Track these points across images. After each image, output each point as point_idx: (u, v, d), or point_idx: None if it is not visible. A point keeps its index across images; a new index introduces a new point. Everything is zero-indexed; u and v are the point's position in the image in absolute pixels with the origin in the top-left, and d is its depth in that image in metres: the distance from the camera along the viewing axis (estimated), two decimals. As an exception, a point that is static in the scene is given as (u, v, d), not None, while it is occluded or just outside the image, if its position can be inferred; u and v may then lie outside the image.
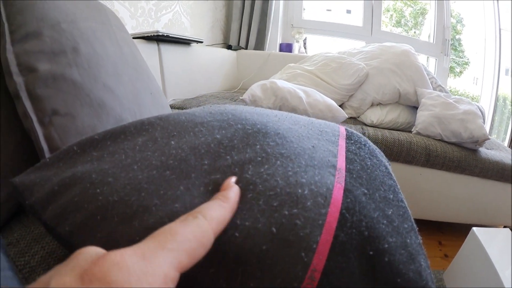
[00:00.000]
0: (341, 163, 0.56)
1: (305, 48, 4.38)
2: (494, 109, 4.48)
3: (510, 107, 4.39)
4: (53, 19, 0.79)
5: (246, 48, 4.08)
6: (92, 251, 0.28)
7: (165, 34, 2.05)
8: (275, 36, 4.26)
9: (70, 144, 0.55)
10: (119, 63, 0.93)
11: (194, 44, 2.77)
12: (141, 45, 2.02)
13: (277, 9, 4.13)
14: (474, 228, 1.60)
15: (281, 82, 2.09)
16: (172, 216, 0.40)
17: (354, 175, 0.54)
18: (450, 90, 5.34)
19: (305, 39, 4.39)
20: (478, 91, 4.97)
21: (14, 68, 0.70)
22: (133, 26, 2.33)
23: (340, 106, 2.63)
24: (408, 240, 0.47)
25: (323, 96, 2.12)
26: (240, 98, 2.06)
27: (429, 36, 4.61)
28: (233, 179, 0.45)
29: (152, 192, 0.43)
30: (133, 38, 1.97)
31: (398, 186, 0.64)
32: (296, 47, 4.32)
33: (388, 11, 5.38)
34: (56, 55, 0.75)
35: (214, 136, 0.55)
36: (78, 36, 0.82)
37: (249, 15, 3.98)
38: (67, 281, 0.24)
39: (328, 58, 2.82)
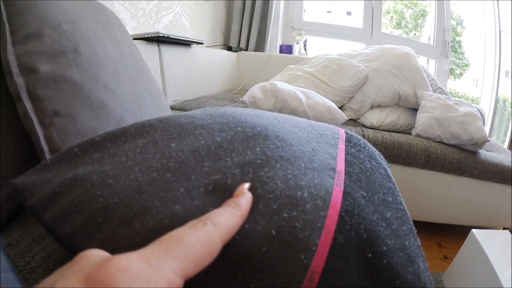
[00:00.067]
0: (340, 166, 0.56)
1: (305, 49, 4.38)
2: (494, 111, 4.48)
3: (510, 109, 4.39)
4: (54, 20, 0.79)
5: (246, 49, 4.08)
6: (95, 255, 0.27)
7: (166, 35, 2.06)
8: (275, 37, 4.26)
9: (71, 145, 0.55)
10: (119, 64, 0.94)
11: (194, 45, 2.77)
12: (141, 46, 2.02)
13: (278, 11, 4.14)
14: (473, 230, 1.60)
15: (281, 84, 2.09)
16: (172, 218, 0.40)
17: (353, 178, 0.54)
18: (450, 92, 5.35)
19: (305, 41, 4.39)
20: (478, 93, 4.97)
21: (14, 69, 0.70)
22: (134, 27, 2.33)
23: (340, 108, 2.63)
24: (407, 243, 0.47)
25: (323, 98, 2.12)
26: (240, 99, 2.06)
27: (429, 38, 4.62)
28: (246, 185, 0.44)
29: (152, 194, 0.43)
30: (134, 39, 1.97)
31: (397, 189, 0.64)
32: (296, 49, 4.33)
33: (389, 13, 5.39)
34: (56, 56, 0.76)
35: (214, 139, 0.55)
36: (78, 37, 0.83)
37: (250, 17, 3.99)
38: (71, 285, 0.24)
39: (328, 60, 2.82)
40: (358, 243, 0.42)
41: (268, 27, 3.97)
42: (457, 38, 5.39)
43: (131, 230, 0.40)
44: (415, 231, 0.54)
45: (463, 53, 5.71)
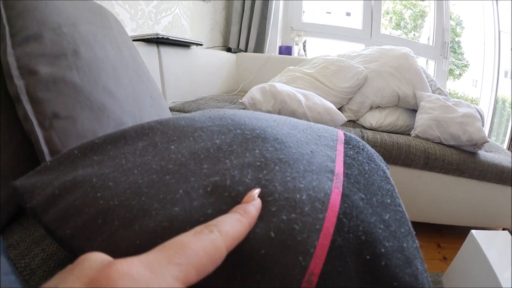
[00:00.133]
0: (339, 168, 0.56)
1: (304, 50, 4.39)
2: (493, 111, 4.49)
3: (509, 109, 4.39)
4: (54, 22, 0.79)
5: (245, 50, 4.08)
6: (97, 258, 0.27)
7: (165, 37, 2.06)
8: (274, 38, 4.26)
9: (71, 147, 0.55)
10: (119, 66, 0.94)
11: (193, 47, 2.77)
12: (141, 47, 2.02)
13: (277, 12, 4.14)
14: (472, 231, 1.60)
15: (280, 85, 2.09)
16: (171, 220, 0.40)
17: (351, 180, 0.54)
18: (450, 92, 5.35)
19: (304, 42, 4.40)
20: (478, 94, 4.98)
21: (14, 71, 0.70)
22: (133, 28, 2.33)
23: (339, 109, 2.63)
24: (405, 244, 0.48)
25: (322, 99, 2.12)
26: (240, 101, 2.06)
27: (428, 39, 4.62)
28: (256, 191, 0.44)
29: (152, 196, 0.44)
30: (133, 40, 1.97)
31: (396, 191, 0.64)
32: (295, 50, 4.33)
33: (388, 13, 5.39)
34: (56, 58, 0.76)
35: (213, 141, 0.55)
36: (78, 39, 0.83)
37: (249, 18, 3.99)
38: None
39: (327, 61, 2.82)
40: (356, 245, 0.42)
41: (267, 28, 3.97)
42: (456, 39, 5.39)
43: (131, 232, 0.40)
44: (414, 233, 0.54)
45: (463, 54, 5.71)
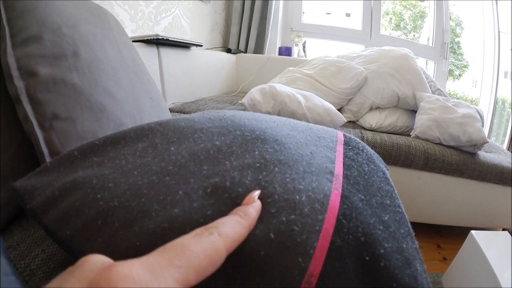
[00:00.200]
0: (338, 169, 0.56)
1: (304, 51, 4.39)
2: (493, 111, 4.49)
3: (509, 109, 4.39)
4: (54, 23, 0.80)
5: (245, 51, 4.08)
6: (98, 260, 0.28)
7: (165, 38, 2.06)
8: (274, 39, 4.26)
9: (71, 149, 0.56)
10: (119, 67, 0.94)
11: (193, 48, 2.77)
12: (140, 48, 2.02)
13: (277, 13, 4.14)
14: (472, 231, 1.60)
15: (280, 86, 2.09)
16: (171, 221, 0.40)
17: (351, 181, 0.54)
18: (449, 93, 5.35)
19: (304, 43, 4.40)
20: (477, 94, 4.98)
21: (14, 72, 0.70)
22: (133, 29, 2.33)
23: (339, 110, 2.63)
24: (404, 245, 0.48)
25: (321, 100, 2.12)
26: (239, 102, 2.06)
27: (428, 39, 4.62)
28: (257, 193, 0.44)
29: (152, 197, 0.44)
30: (133, 41, 1.97)
31: (396, 192, 0.64)
32: (295, 51, 4.34)
33: (387, 14, 5.39)
34: (56, 59, 0.76)
35: (213, 143, 0.56)
36: (78, 40, 0.83)
37: (249, 19, 3.99)
38: None
39: (327, 62, 2.82)
40: (355, 246, 0.42)
41: (267, 29, 3.97)
42: (456, 39, 5.40)
43: (131, 233, 0.40)
44: (413, 234, 0.54)
45: (462, 54, 5.72)
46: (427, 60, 4.53)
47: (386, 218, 0.50)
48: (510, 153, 2.33)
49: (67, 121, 0.73)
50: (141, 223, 0.41)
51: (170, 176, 0.47)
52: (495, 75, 4.43)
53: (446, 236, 2.35)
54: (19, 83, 0.70)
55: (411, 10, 5.46)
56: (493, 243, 1.53)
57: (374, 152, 0.78)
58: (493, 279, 1.32)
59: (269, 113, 1.93)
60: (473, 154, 2.06)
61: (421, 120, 2.21)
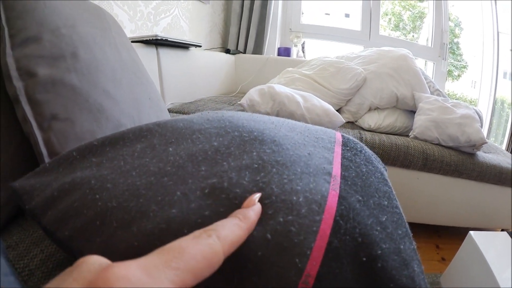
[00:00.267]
0: (336, 170, 0.56)
1: (303, 52, 4.39)
2: (492, 112, 4.50)
3: (508, 110, 4.40)
4: (53, 23, 0.80)
5: (244, 52, 4.08)
6: (96, 261, 0.28)
7: (164, 38, 2.06)
8: (273, 40, 4.26)
9: (70, 149, 0.56)
10: (118, 68, 0.94)
11: (192, 48, 2.77)
12: (139, 49, 2.02)
13: (276, 13, 4.14)
14: (471, 232, 1.61)
15: (278, 86, 2.09)
16: (169, 222, 0.40)
17: (349, 182, 0.54)
18: (448, 93, 5.36)
19: (303, 43, 4.40)
20: (476, 95, 4.98)
21: (13, 73, 0.70)
22: (132, 29, 2.33)
23: (338, 110, 2.63)
24: (402, 246, 0.48)
25: (320, 101, 2.12)
26: (238, 102, 2.06)
27: (427, 40, 4.62)
28: (257, 195, 0.44)
29: (150, 198, 0.44)
30: (132, 42, 1.97)
31: (394, 192, 0.64)
32: (294, 51, 4.34)
33: (387, 14, 5.40)
34: (55, 60, 0.76)
35: (211, 144, 0.56)
36: (77, 41, 0.83)
37: (248, 19, 3.99)
38: None
39: (326, 63, 2.82)
40: (353, 247, 0.42)
41: (266, 29, 3.97)
42: (455, 40, 5.41)
43: (129, 234, 0.40)
44: (411, 235, 0.54)
45: (461, 55, 5.73)
46: (426, 61, 4.53)
47: (384, 219, 0.50)
48: (509, 153, 2.34)
49: (66, 122, 0.73)
50: (139, 224, 0.41)
51: (168, 177, 0.48)
52: (494, 76, 4.44)
53: (445, 237, 2.36)
54: (18, 84, 0.70)
55: (410, 11, 5.47)
56: (492, 244, 1.54)
57: (373, 153, 0.78)
58: (491, 280, 1.32)
59: (267, 113, 1.93)
60: (472, 155, 2.06)
61: (420, 120, 2.21)
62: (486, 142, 1.95)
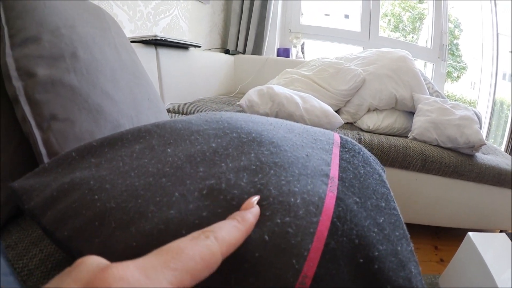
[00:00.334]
0: (334, 171, 0.56)
1: (302, 53, 4.39)
2: (491, 113, 4.50)
3: (507, 111, 4.40)
4: (53, 24, 0.80)
5: (244, 52, 4.08)
6: (94, 262, 0.28)
7: (163, 38, 2.06)
8: (273, 40, 4.26)
9: (69, 150, 0.56)
10: (117, 69, 0.94)
11: (192, 48, 2.77)
12: (139, 49, 2.02)
13: (275, 14, 4.14)
14: (469, 233, 1.61)
15: (278, 87, 2.09)
16: (167, 222, 0.41)
17: (346, 184, 0.54)
18: (447, 95, 5.36)
19: (302, 44, 4.40)
20: (476, 96, 4.99)
21: (13, 73, 0.71)
22: (132, 29, 2.33)
23: (336, 111, 2.64)
24: (399, 248, 0.48)
25: (319, 101, 2.12)
26: (237, 103, 2.06)
27: (426, 41, 4.63)
28: (255, 198, 0.44)
29: (148, 199, 0.44)
30: (131, 42, 1.97)
31: (391, 194, 0.64)
32: (293, 52, 4.34)
33: (386, 16, 5.40)
34: (55, 60, 0.76)
35: (209, 145, 0.56)
36: (77, 41, 0.83)
37: (247, 20, 3.99)
38: None
39: (325, 64, 2.82)
40: (350, 248, 0.42)
41: (266, 30, 3.97)
42: (455, 41, 5.42)
43: (128, 234, 0.40)
44: (408, 236, 0.54)
45: (461, 56, 5.74)
46: (425, 62, 4.54)
47: (381, 220, 0.51)
48: (508, 155, 2.34)
49: (65, 122, 0.73)
50: (138, 224, 0.41)
51: (167, 178, 0.48)
52: (494, 77, 4.44)
53: (443, 238, 2.36)
54: (17, 84, 0.70)
55: (410, 12, 5.48)
56: (490, 245, 1.54)
57: (371, 154, 0.78)
58: (490, 281, 1.32)
59: (266, 114, 1.93)
60: (471, 156, 2.06)
61: (418, 122, 2.22)
62: (485, 144, 1.95)
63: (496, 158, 2.17)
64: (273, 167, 0.51)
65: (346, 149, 0.69)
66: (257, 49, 4.08)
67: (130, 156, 0.53)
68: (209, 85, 3.16)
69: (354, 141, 0.77)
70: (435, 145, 2.11)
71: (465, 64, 5.82)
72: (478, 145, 1.95)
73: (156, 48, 2.23)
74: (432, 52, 4.38)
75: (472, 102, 5.26)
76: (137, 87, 1.02)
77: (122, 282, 0.25)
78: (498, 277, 1.31)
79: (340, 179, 0.55)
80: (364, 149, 0.77)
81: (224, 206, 0.43)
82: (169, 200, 0.44)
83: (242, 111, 2.02)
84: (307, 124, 0.83)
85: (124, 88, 0.93)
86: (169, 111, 2.25)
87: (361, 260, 0.42)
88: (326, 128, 1.58)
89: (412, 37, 5.51)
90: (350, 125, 2.65)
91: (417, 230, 2.34)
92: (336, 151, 0.66)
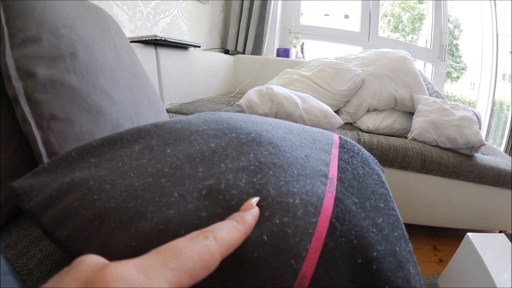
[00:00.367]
0: (333, 172, 0.56)
1: (302, 53, 4.39)
2: (490, 114, 4.50)
3: (506, 112, 4.40)
4: (52, 23, 0.80)
5: (243, 52, 4.08)
6: (93, 261, 0.28)
7: (163, 38, 2.06)
8: (272, 41, 4.26)
9: (68, 150, 0.56)
10: (117, 69, 0.94)
11: (191, 48, 2.77)
12: (138, 49, 2.02)
13: (275, 14, 4.13)
14: (468, 234, 1.61)
15: (277, 87, 2.09)
16: (166, 223, 0.41)
17: (345, 184, 0.55)
18: (447, 95, 5.36)
19: (302, 44, 4.40)
20: (475, 96, 4.99)
21: (13, 73, 0.70)
22: (131, 29, 2.33)
23: (336, 112, 2.64)
24: (398, 248, 0.48)
25: (319, 102, 2.12)
26: (237, 103, 2.06)
27: (426, 42, 4.63)
28: (255, 200, 0.44)
29: (147, 199, 0.44)
30: (131, 42, 1.97)
31: (390, 194, 0.64)
32: (293, 52, 4.34)
33: (386, 16, 5.40)
34: (55, 60, 0.76)
35: (209, 145, 0.56)
36: (76, 41, 0.83)
37: (247, 20, 3.99)
38: None
39: (325, 64, 2.82)
40: (348, 249, 0.43)
41: (266, 30, 3.97)
42: (455, 42, 5.42)
43: (127, 234, 0.40)
44: (407, 236, 0.54)
45: (460, 57, 5.74)
46: (425, 63, 4.54)
47: (380, 221, 0.51)
48: (507, 155, 2.34)
49: (65, 122, 0.73)
50: (137, 224, 0.41)
51: (166, 178, 0.48)
52: (493, 78, 4.44)
53: (443, 238, 2.36)
54: (17, 84, 0.70)
55: (410, 12, 5.47)
56: (490, 245, 1.54)
57: (370, 155, 0.78)
58: (489, 281, 1.32)
59: (266, 114, 1.93)
60: (470, 157, 2.06)
61: (418, 122, 2.22)
62: (484, 144, 1.95)
63: (496, 159, 2.17)
64: (272, 167, 0.51)
65: (345, 150, 0.69)
66: (257, 49, 4.08)
67: (130, 156, 0.53)
68: (209, 85, 3.16)
69: (353, 142, 0.77)
70: (435, 146, 2.11)
71: (465, 65, 5.82)
72: (477, 146, 1.95)
73: (155, 48, 2.23)
74: (432, 53, 4.38)
75: (472, 103, 5.26)
76: (137, 87, 1.02)
77: (121, 281, 0.25)
78: (497, 277, 1.31)
79: (339, 179, 0.55)
80: (363, 149, 0.77)
81: (223, 206, 0.43)
82: (168, 200, 0.44)
83: (242, 111, 2.02)
84: (306, 124, 0.83)
85: (124, 88, 0.93)
86: (168, 111, 2.25)
87: (360, 261, 0.42)
88: (326, 129, 1.58)
89: (412, 38, 5.51)
90: (349, 126, 2.65)
91: (417, 231, 2.35)
92: (335, 151, 0.66)
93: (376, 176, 0.66)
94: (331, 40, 4.55)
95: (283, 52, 4.26)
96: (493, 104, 4.50)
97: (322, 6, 5.13)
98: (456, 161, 2.01)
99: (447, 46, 4.33)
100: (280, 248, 0.38)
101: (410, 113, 2.56)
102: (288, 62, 3.73)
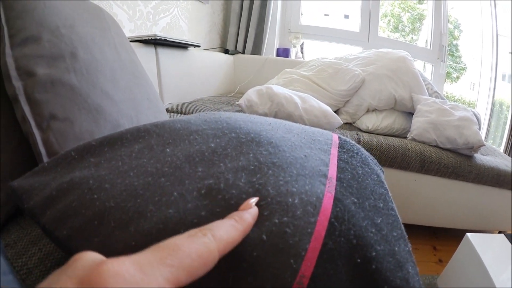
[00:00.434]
0: (332, 172, 0.57)
1: (302, 53, 4.38)
2: (490, 114, 4.50)
3: (506, 112, 4.40)
4: (52, 23, 0.80)
5: (243, 52, 4.08)
6: (90, 257, 0.28)
7: (163, 38, 2.06)
8: (272, 40, 4.26)
9: (68, 149, 0.56)
10: (117, 69, 0.94)
11: (191, 48, 2.77)
12: (138, 48, 2.02)
13: (275, 14, 4.13)
14: (468, 234, 1.61)
15: (277, 87, 2.09)
16: (166, 222, 0.41)
17: (344, 184, 0.55)
18: (447, 95, 5.36)
19: (302, 44, 4.39)
20: (475, 97, 4.99)
21: (13, 72, 0.71)
22: (131, 29, 2.33)
23: (336, 111, 2.64)
24: (397, 248, 0.48)
25: (318, 102, 2.12)
26: (236, 103, 2.06)
27: (426, 42, 4.62)
28: (254, 200, 0.44)
29: (147, 198, 0.44)
30: (131, 41, 1.97)
31: (390, 194, 0.65)
32: (293, 52, 4.33)
33: (386, 16, 5.40)
34: (54, 60, 0.76)
35: (208, 145, 0.56)
36: (76, 41, 0.83)
37: (247, 20, 3.98)
38: None
39: (324, 64, 2.82)
40: (347, 249, 0.43)
41: (265, 30, 3.97)
42: (454, 42, 5.41)
43: (127, 234, 0.40)
44: (406, 236, 0.54)
45: (460, 57, 5.74)
46: (424, 63, 4.53)
47: (379, 221, 0.51)
48: (507, 156, 2.34)
49: (65, 122, 0.73)
50: (137, 224, 0.41)
51: (165, 177, 0.48)
52: (493, 78, 4.44)
53: (442, 238, 2.36)
54: (17, 83, 0.70)
55: (410, 13, 5.47)
56: (489, 246, 1.54)
57: (369, 155, 0.78)
58: (488, 281, 1.32)
59: (266, 114, 1.93)
60: (470, 157, 2.06)
61: (417, 122, 2.22)
62: (484, 145, 1.95)
63: (495, 159, 2.17)
64: (271, 167, 0.51)
65: (345, 150, 0.69)
66: (257, 49, 4.08)
67: (129, 155, 0.53)
68: (209, 84, 3.16)
69: (353, 142, 0.77)
70: (434, 146, 2.11)
71: (465, 65, 5.82)
72: (477, 146, 1.95)
73: (155, 48, 2.23)
74: (432, 53, 4.38)
75: (472, 103, 5.26)
76: (137, 87, 1.02)
77: (118, 277, 0.25)
78: (497, 278, 1.31)
79: (338, 179, 0.55)
80: (362, 149, 0.77)
81: (223, 206, 0.43)
82: (168, 199, 0.44)
83: (241, 111, 2.02)
84: (306, 124, 0.83)
85: (124, 88, 0.93)
86: (168, 110, 2.25)
87: (359, 260, 0.42)
88: (325, 129, 1.58)
89: (412, 38, 5.51)
90: (349, 126, 2.65)
91: (416, 231, 2.35)
92: (334, 151, 0.66)
93: (375, 176, 0.66)
94: (331, 40, 4.55)
95: (283, 52, 4.26)
96: (493, 104, 4.50)
97: (322, 6, 5.13)
98: (455, 162, 2.01)
99: (447, 47, 4.33)
100: (279, 247, 0.38)
101: (410, 113, 2.55)
102: (288, 62, 3.73)
